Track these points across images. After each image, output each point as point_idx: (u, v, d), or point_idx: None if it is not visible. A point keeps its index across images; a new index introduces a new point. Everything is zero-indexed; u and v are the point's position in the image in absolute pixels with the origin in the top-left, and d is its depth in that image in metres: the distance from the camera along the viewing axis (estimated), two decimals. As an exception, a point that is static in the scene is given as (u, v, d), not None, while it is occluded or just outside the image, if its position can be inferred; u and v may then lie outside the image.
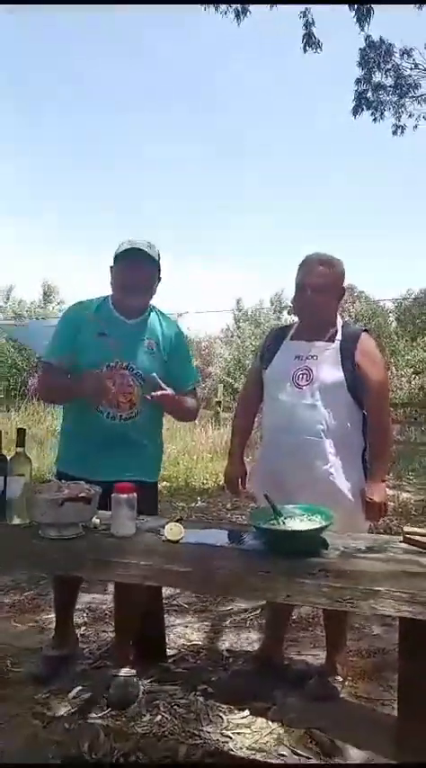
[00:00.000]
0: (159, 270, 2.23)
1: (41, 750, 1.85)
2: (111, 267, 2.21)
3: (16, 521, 1.85)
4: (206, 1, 6.52)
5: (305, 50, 7.50)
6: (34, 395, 10.30)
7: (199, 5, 6.54)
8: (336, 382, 2.12)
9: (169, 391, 2.13)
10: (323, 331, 2.20)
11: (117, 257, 2.17)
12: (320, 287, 2.15)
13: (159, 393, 2.11)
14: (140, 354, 2.18)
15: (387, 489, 2.23)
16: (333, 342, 2.18)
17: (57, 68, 46.58)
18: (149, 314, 2.26)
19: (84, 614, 2.86)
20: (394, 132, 9.16)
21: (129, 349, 2.17)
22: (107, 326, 2.18)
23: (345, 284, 2.29)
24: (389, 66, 8.72)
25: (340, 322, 2.24)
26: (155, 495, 2.35)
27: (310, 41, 7.37)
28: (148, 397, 2.11)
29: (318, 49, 7.49)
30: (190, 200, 45.81)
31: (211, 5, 6.58)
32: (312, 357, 2.16)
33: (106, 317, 2.20)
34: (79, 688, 2.18)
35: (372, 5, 6.80)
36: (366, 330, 2.29)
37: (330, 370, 2.13)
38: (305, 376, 2.15)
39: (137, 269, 2.16)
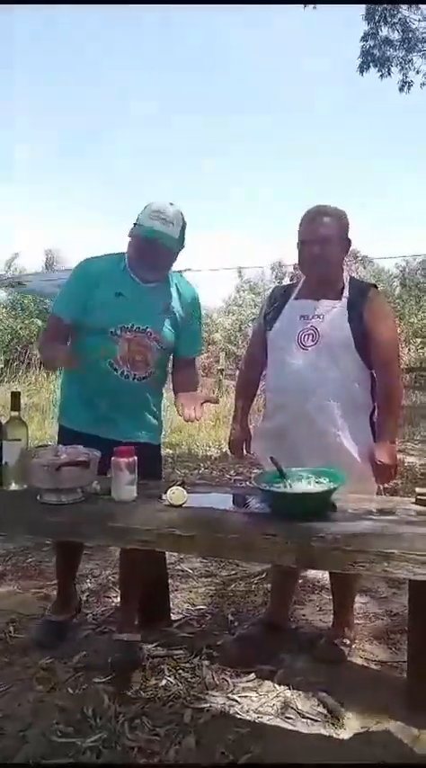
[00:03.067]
0: (183, 241, 2.13)
1: (46, 715, 1.83)
2: (132, 230, 2.09)
3: (13, 486, 1.80)
4: None
5: (304, 6, 7.36)
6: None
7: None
8: (343, 342, 2.03)
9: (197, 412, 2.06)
10: (330, 288, 2.10)
11: (144, 230, 2.04)
12: (324, 239, 2.05)
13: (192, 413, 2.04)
14: (156, 316, 2.12)
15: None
16: (340, 299, 2.08)
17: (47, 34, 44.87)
18: (168, 279, 2.19)
19: (88, 580, 2.84)
20: (401, 89, 8.83)
21: (145, 311, 2.11)
22: (123, 287, 2.10)
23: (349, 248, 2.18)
24: (396, 20, 8.36)
25: (347, 278, 2.14)
26: (160, 458, 2.33)
27: None
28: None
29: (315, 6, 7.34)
30: (185, 166, 44.77)
31: None
32: (318, 316, 2.07)
33: (123, 277, 2.12)
34: (83, 653, 2.16)
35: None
36: (374, 286, 2.19)
37: (337, 330, 2.04)
38: (311, 336, 2.06)
39: (158, 251, 2.07)
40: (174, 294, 2.19)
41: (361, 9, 8.26)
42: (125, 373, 2.09)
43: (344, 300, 2.07)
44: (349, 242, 2.14)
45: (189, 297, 2.22)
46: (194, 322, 2.25)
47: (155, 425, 2.24)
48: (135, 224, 2.08)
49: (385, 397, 2.08)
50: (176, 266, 2.21)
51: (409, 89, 8.79)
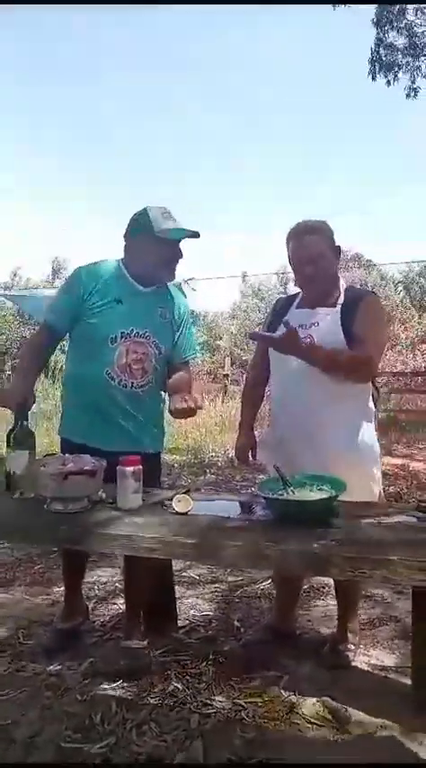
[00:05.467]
0: None
1: (54, 721, 1.86)
2: (134, 234, 2.13)
3: (21, 495, 1.83)
4: None
5: (334, 7, 7.40)
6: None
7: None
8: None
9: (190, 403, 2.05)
10: (327, 297, 2.13)
11: (166, 235, 2.08)
12: (314, 258, 2.08)
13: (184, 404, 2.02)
14: (155, 322, 2.16)
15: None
16: (335, 306, 2.11)
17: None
18: (163, 284, 2.23)
19: (95, 587, 2.87)
20: (408, 95, 8.85)
21: (144, 315, 2.14)
22: (122, 294, 2.13)
23: (353, 253, 2.21)
24: (402, 25, 8.40)
25: (343, 285, 2.17)
26: (159, 465, 2.34)
27: None
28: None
29: (349, 4, 7.39)
30: (190, 170, 44.82)
31: None
32: (314, 324, 2.10)
33: (122, 283, 2.15)
34: (91, 660, 2.19)
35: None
36: (371, 293, 2.21)
37: (331, 336, 2.05)
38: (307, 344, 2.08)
39: (178, 249, 2.14)
40: (169, 301, 2.23)
41: (371, 13, 8.31)
42: (123, 382, 2.10)
43: (339, 307, 2.10)
44: (338, 250, 2.16)
45: (179, 301, 2.27)
46: (185, 326, 2.28)
47: (157, 434, 2.25)
48: (150, 229, 2.07)
49: (350, 354, 1.97)
50: (181, 275, 2.26)
51: (416, 95, 8.82)
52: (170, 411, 2.05)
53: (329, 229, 2.14)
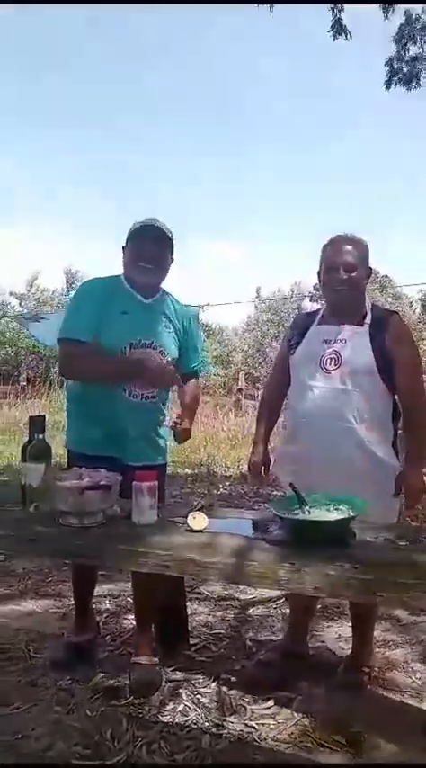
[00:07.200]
0: (172, 249, 2.23)
1: (65, 737, 1.84)
2: (125, 247, 2.21)
3: (36, 508, 1.83)
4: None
5: (334, 38, 7.36)
6: (60, 378, 10.34)
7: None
8: (366, 366, 2.05)
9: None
10: (352, 314, 2.13)
11: (134, 234, 2.18)
12: (349, 266, 2.10)
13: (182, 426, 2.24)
14: (160, 330, 2.18)
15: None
16: (363, 325, 2.11)
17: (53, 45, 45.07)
18: (163, 295, 2.27)
19: (107, 602, 2.85)
20: None
21: (150, 326, 2.17)
22: (127, 305, 2.15)
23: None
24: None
25: (369, 304, 2.17)
26: (165, 477, 2.35)
27: (340, 29, 7.24)
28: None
29: (349, 37, 7.34)
30: (199, 184, 44.66)
31: None
32: (340, 341, 2.10)
33: (124, 295, 2.18)
34: (102, 675, 2.17)
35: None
36: (396, 312, 2.21)
37: (359, 354, 2.06)
38: (333, 360, 2.08)
39: (155, 245, 2.17)
40: (172, 311, 2.26)
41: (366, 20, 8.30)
42: (133, 393, 2.12)
43: (366, 326, 2.10)
44: (370, 270, 2.18)
45: (182, 312, 2.30)
46: (192, 336, 2.32)
47: (164, 445, 2.27)
48: (127, 238, 2.19)
49: (411, 423, 2.09)
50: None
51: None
52: (174, 437, 2.23)
53: (366, 248, 2.16)
